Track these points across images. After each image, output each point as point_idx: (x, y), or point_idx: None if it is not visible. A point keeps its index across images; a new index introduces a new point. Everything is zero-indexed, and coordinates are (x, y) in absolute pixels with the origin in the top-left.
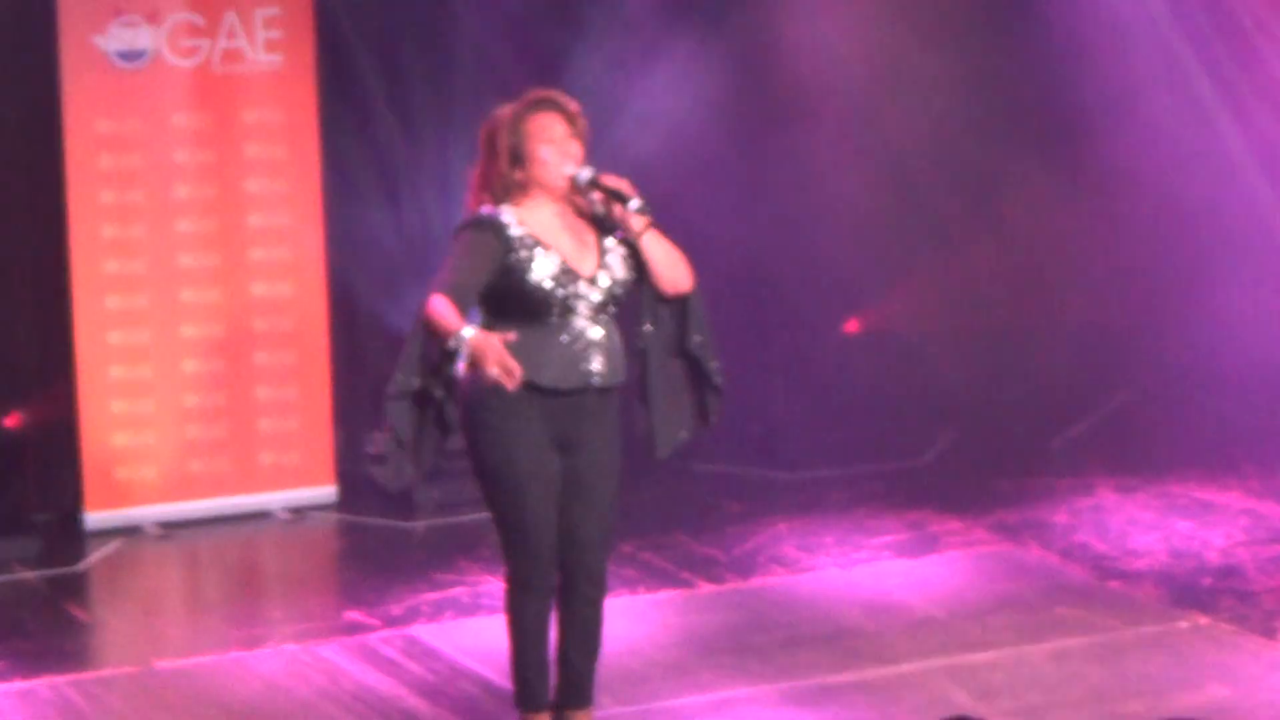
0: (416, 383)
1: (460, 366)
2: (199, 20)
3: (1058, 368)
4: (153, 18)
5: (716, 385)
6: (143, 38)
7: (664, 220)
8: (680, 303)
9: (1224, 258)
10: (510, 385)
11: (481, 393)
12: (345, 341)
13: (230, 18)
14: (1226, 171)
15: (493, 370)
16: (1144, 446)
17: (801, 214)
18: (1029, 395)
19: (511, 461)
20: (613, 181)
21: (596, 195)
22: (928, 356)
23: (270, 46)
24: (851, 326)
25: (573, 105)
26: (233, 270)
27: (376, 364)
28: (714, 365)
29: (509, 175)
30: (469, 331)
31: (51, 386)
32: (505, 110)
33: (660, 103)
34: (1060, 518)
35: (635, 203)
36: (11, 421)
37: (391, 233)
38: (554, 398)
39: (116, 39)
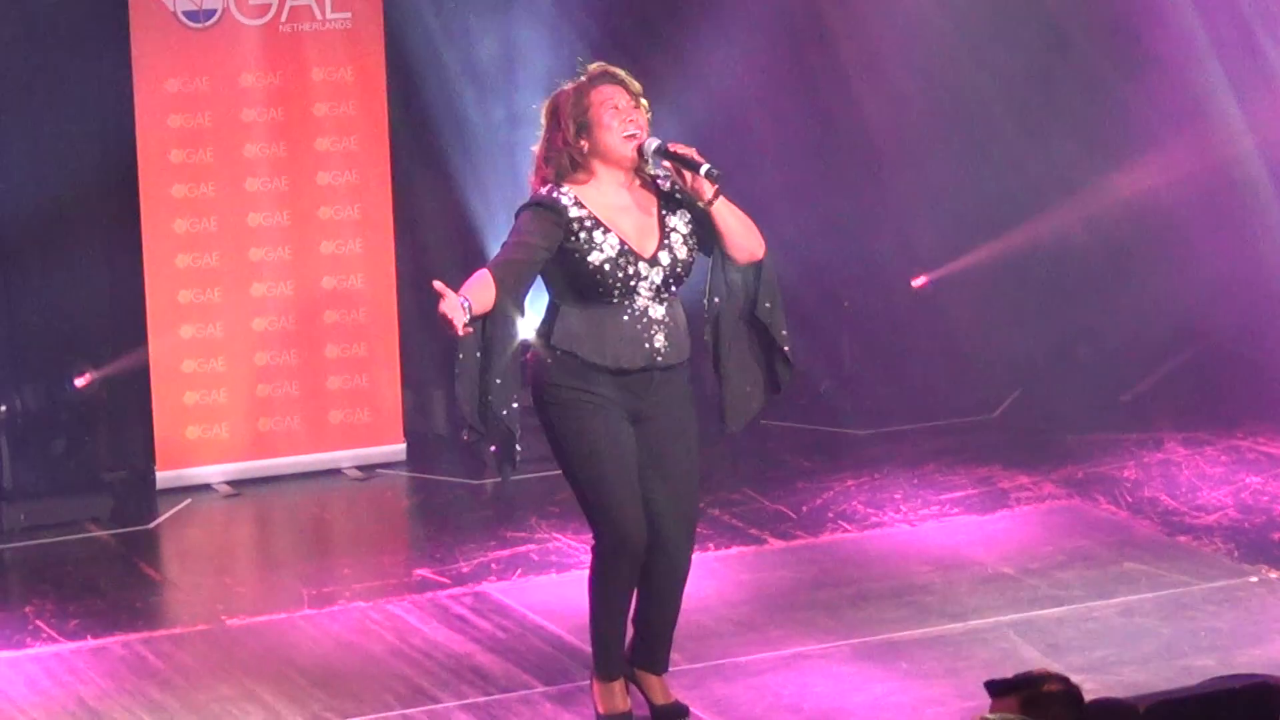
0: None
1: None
2: None
3: (1126, 322)
4: None
5: (786, 354)
6: None
7: (732, 178)
8: (753, 269)
9: None
10: (457, 329)
11: (549, 371)
12: (414, 299)
13: None
14: None
15: (442, 308)
16: (1212, 401)
17: (871, 170)
18: (1097, 350)
19: (585, 433)
20: (682, 149)
21: (666, 164)
22: (996, 312)
23: (338, 4)
24: (921, 282)
25: (634, 83)
26: (302, 228)
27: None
28: (783, 334)
29: (574, 147)
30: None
31: (122, 346)
32: (568, 85)
33: (732, 58)
34: (1129, 473)
35: (706, 167)
36: (83, 381)
37: (460, 190)
38: (620, 375)
39: None
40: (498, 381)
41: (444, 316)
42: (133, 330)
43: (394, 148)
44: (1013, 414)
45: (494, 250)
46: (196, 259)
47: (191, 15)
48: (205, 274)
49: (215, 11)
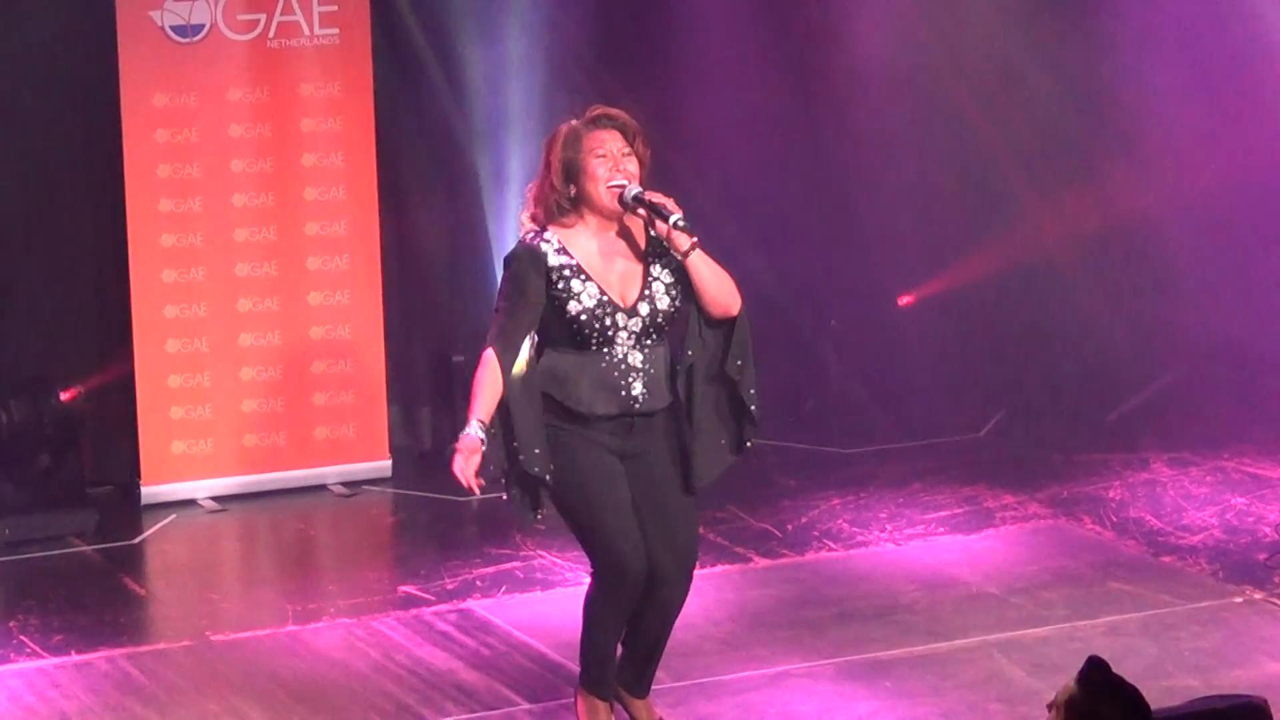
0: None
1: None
2: None
3: (1112, 342)
4: None
5: (752, 414)
6: (199, 12)
7: (720, 197)
8: (727, 326)
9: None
10: (473, 490)
11: None
12: (400, 316)
13: None
14: None
15: (455, 469)
16: (1198, 421)
17: (857, 188)
18: (1083, 370)
19: (574, 467)
20: (657, 198)
21: (641, 211)
22: (982, 331)
23: (326, 21)
24: (906, 301)
25: (632, 123)
26: (288, 246)
27: (431, 338)
28: (752, 393)
29: (562, 191)
30: (471, 428)
31: (108, 360)
32: (565, 125)
33: (718, 77)
34: (1114, 493)
35: (675, 218)
36: (69, 395)
37: (446, 208)
38: (600, 421)
39: (172, 13)
40: (520, 430)
41: (456, 479)
42: (118, 345)
43: (381, 163)
44: (998, 433)
45: (478, 266)
46: (183, 274)
47: (179, 30)
48: (191, 289)
49: (203, 27)
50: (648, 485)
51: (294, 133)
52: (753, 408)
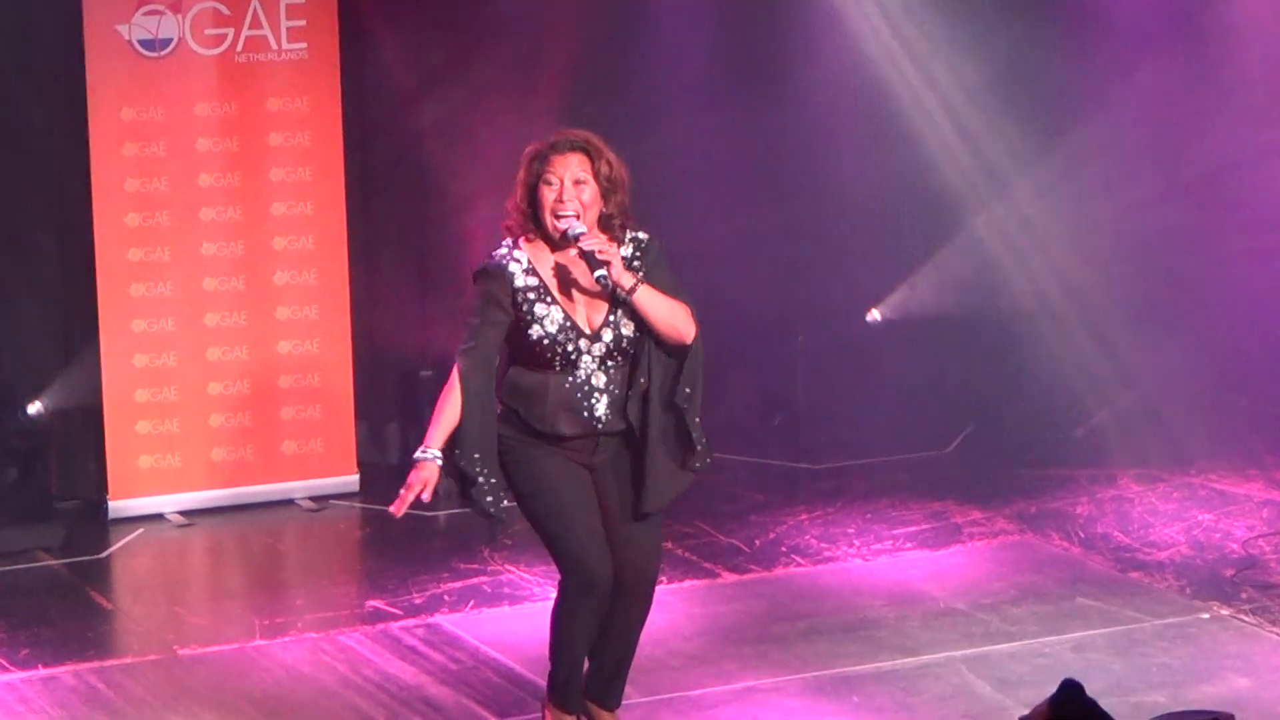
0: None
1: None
2: (223, 8)
3: (1080, 358)
4: (176, 6)
5: (695, 441)
6: (167, 26)
7: (687, 213)
8: (680, 352)
9: (1249, 247)
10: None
11: (500, 422)
12: (368, 331)
13: (254, 6)
14: (1248, 159)
15: (404, 491)
16: (1166, 437)
17: (824, 205)
18: (1051, 385)
19: (539, 476)
20: (591, 244)
21: (576, 253)
22: (950, 347)
23: (294, 35)
24: (874, 317)
25: (598, 145)
26: (256, 258)
27: (399, 353)
28: (696, 421)
29: (525, 211)
30: (428, 453)
31: (75, 374)
32: (534, 144)
33: (686, 90)
34: (1082, 509)
35: (600, 273)
36: (36, 409)
37: (415, 221)
38: (563, 440)
39: (140, 27)
40: (472, 441)
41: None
42: (86, 358)
43: (348, 179)
44: (966, 449)
45: (447, 281)
46: (150, 288)
47: (147, 44)
48: (159, 303)
49: (171, 41)
50: (613, 496)
51: (262, 147)
52: (695, 435)
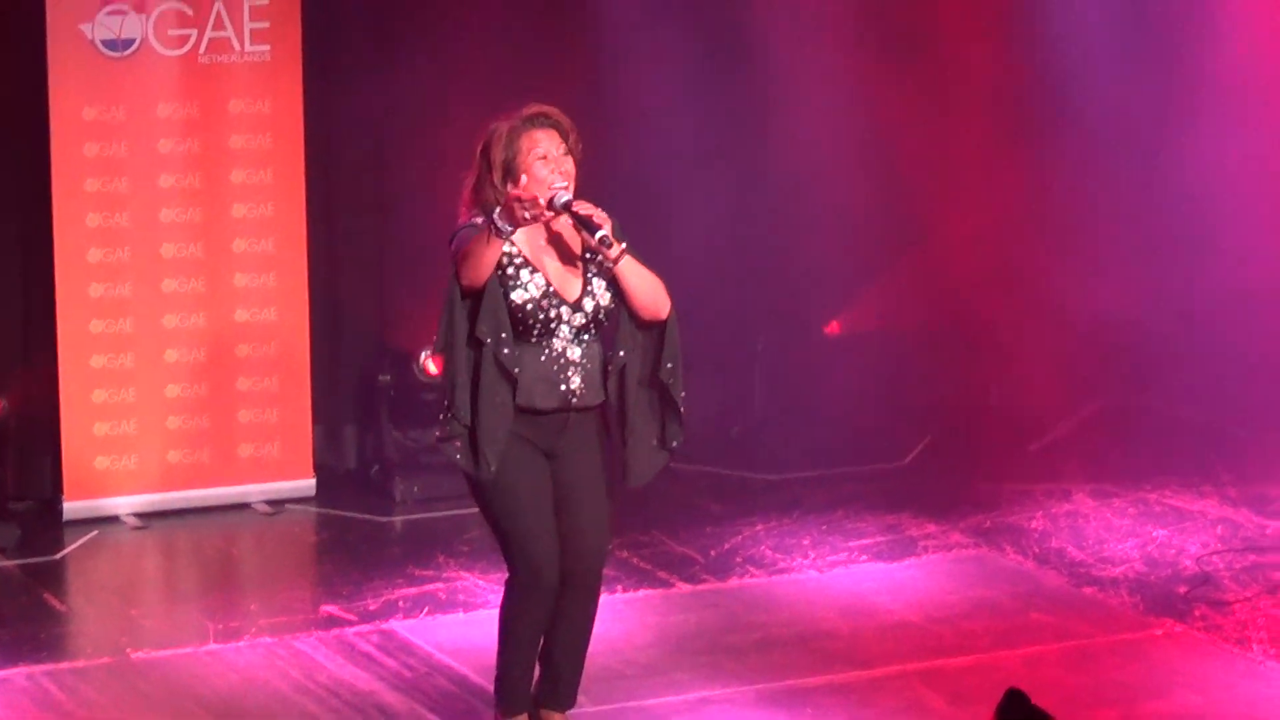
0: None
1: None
2: (186, 9)
3: (1037, 372)
4: (140, 6)
5: (679, 415)
6: (130, 26)
7: (645, 220)
8: (658, 329)
9: (1205, 264)
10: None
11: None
12: (326, 334)
13: (217, 7)
14: (1211, 177)
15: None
16: (1121, 453)
17: (781, 215)
18: (1007, 400)
19: (502, 469)
20: (585, 209)
21: (569, 220)
22: (907, 360)
23: (257, 37)
24: (831, 328)
25: (567, 121)
26: (215, 261)
27: (357, 357)
28: (681, 395)
29: (500, 190)
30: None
31: (32, 374)
32: (502, 123)
33: (644, 103)
34: (1036, 523)
35: (602, 233)
36: None
37: (376, 225)
38: (535, 415)
39: (103, 27)
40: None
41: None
42: (43, 358)
43: (309, 182)
44: (922, 462)
45: (407, 285)
46: (109, 289)
47: (110, 44)
48: (118, 304)
49: (134, 41)
50: (565, 487)
51: (223, 149)
52: (679, 408)
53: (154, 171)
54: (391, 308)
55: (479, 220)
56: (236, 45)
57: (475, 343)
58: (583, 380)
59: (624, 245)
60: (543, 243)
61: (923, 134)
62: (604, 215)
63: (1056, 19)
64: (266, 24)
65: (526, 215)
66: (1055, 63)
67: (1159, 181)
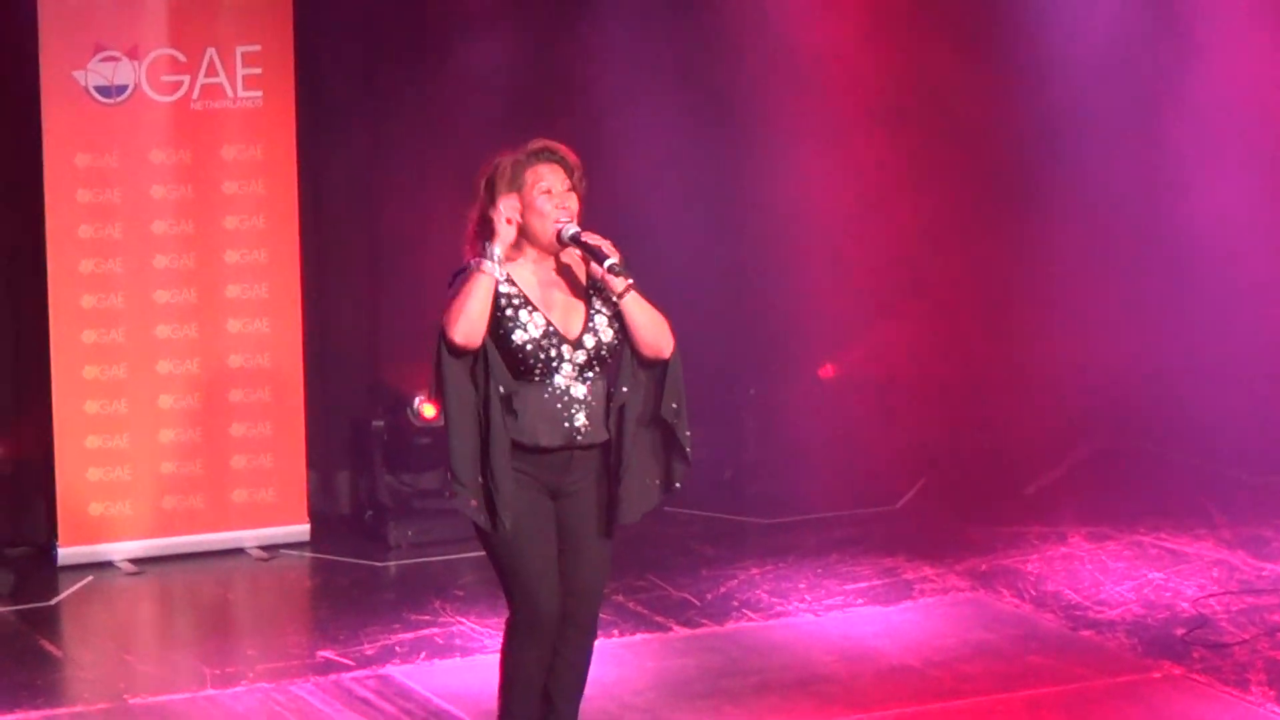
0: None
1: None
2: (179, 56)
3: (1031, 415)
4: (133, 53)
5: (686, 455)
6: (123, 73)
7: (639, 262)
8: (660, 367)
9: (1196, 310)
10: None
11: None
12: (320, 380)
13: (210, 54)
14: (1199, 228)
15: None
16: (1116, 495)
17: (774, 259)
18: (1002, 442)
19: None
20: (593, 240)
21: (578, 252)
22: (901, 403)
23: (250, 83)
24: (825, 372)
25: (572, 157)
26: (209, 307)
27: (351, 403)
28: (686, 435)
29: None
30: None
31: (26, 420)
32: (505, 157)
33: (635, 143)
34: (1033, 566)
35: (610, 261)
36: None
37: (368, 273)
38: (540, 454)
39: (97, 74)
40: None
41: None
42: (37, 404)
43: (303, 227)
44: (917, 505)
45: (400, 331)
46: (103, 334)
47: (103, 91)
48: (111, 350)
49: (127, 87)
50: (573, 527)
51: (216, 195)
52: (686, 449)
53: (147, 217)
54: (385, 352)
55: (475, 261)
56: (229, 91)
57: (480, 399)
58: (587, 417)
59: (630, 280)
60: (541, 280)
61: (917, 182)
62: (612, 247)
63: (1053, 81)
64: (259, 70)
65: (504, 222)
66: (1050, 116)
67: (1150, 231)
